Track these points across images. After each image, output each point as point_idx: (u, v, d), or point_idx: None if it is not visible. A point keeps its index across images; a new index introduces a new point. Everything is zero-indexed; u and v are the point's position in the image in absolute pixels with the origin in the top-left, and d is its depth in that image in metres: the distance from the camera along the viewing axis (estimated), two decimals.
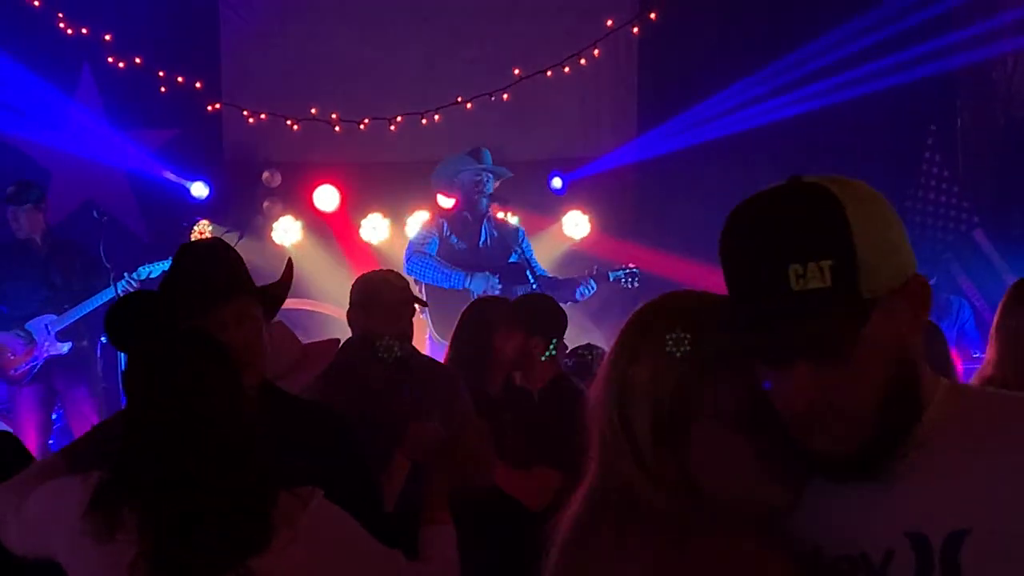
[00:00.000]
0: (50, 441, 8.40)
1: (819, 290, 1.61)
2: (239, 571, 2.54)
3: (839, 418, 1.66)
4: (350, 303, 4.99)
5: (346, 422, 3.48)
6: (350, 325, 4.98)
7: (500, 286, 8.14)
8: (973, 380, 4.13)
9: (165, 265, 8.08)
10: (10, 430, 7.68)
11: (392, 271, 5.29)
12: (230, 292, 3.21)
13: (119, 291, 7.94)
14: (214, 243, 3.43)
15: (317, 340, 4.39)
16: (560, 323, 5.25)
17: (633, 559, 1.69)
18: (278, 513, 2.58)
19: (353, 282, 5.09)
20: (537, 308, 5.27)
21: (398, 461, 4.14)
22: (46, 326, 8.15)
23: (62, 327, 8.16)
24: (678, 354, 1.71)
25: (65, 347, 8.17)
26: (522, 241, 8.62)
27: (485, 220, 8.59)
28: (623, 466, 1.76)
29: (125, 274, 8.06)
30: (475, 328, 5.04)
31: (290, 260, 3.59)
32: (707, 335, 1.70)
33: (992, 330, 4.09)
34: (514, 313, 5.13)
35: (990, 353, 4.05)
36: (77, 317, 8.13)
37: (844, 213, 1.64)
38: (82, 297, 8.10)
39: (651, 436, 1.73)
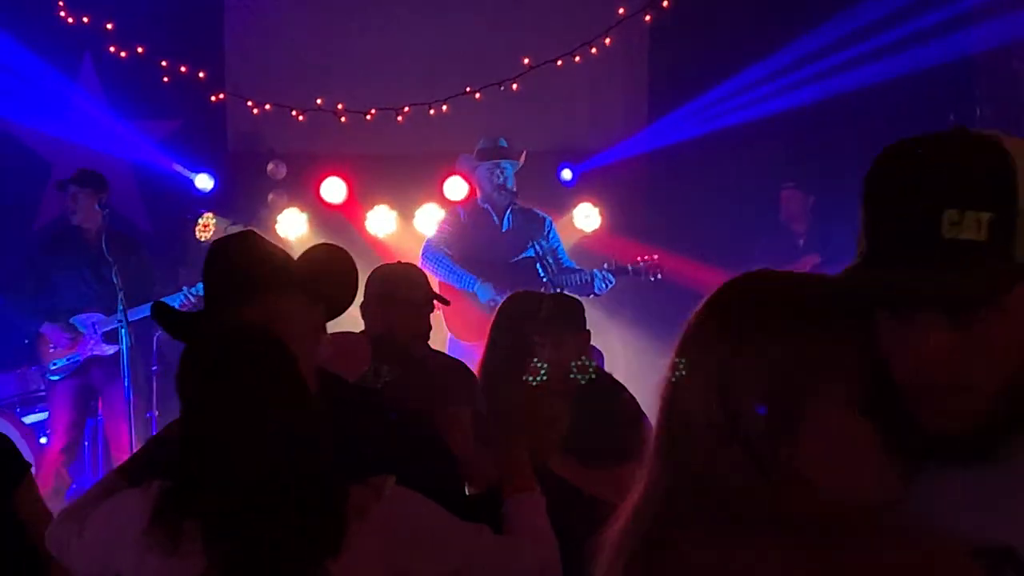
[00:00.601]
0: (86, 443, 8.36)
1: (972, 242, 1.47)
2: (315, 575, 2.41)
3: (966, 390, 1.51)
4: (366, 296, 4.80)
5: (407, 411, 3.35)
6: (365, 320, 4.80)
7: (499, 299, 8.00)
8: None
9: None
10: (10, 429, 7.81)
11: (413, 265, 5.13)
12: (269, 286, 3.04)
13: (175, 304, 7.79)
14: (247, 235, 3.22)
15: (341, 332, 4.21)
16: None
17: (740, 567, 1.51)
18: (351, 508, 2.47)
19: (370, 274, 4.88)
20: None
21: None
22: (93, 324, 8.02)
23: (109, 328, 7.99)
24: (788, 336, 1.55)
25: (111, 350, 8.01)
26: (548, 233, 8.50)
27: (509, 211, 8.47)
28: (720, 463, 1.56)
29: (184, 288, 7.98)
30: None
31: (336, 247, 3.41)
32: (817, 312, 1.56)
33: None
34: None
35: None
36: (134, 319, 7.85)
37: (1014, 169, 1.49)
38: (136, 301, 7.81)
39: (765, 428, 1.54)
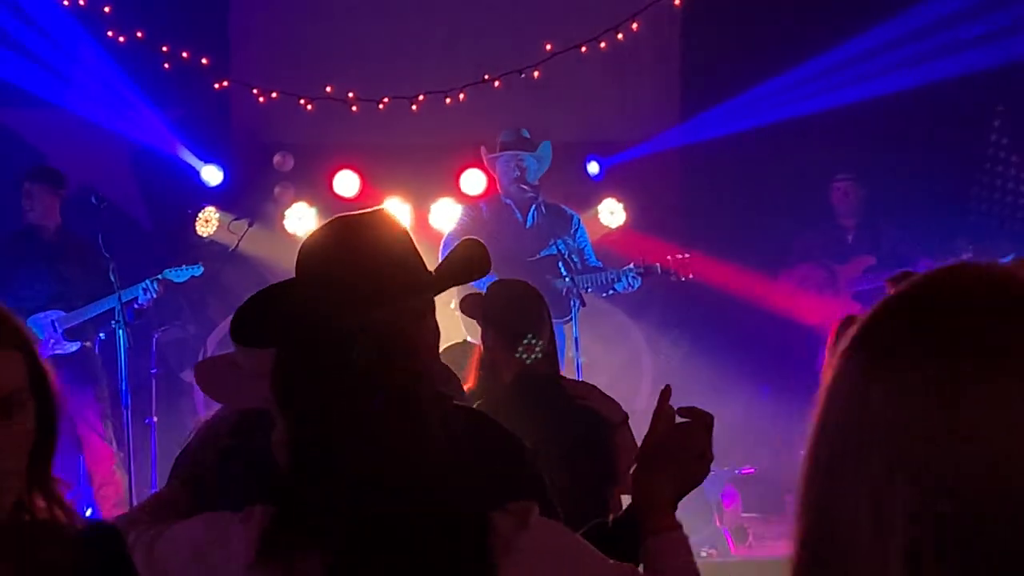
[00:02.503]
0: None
1: None
2: None
3: None
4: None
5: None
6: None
7: None
8: None
9: (195, 271, 7.87)
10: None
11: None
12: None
13: (138, 295, 7.73)
14: (381, 213, 2.70)
15: None
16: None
17: None
18: (496, 539, 2.17)
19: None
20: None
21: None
22: (53, 323, 7.82)
23: (70, 325, 7.82)
24: None
25: (73, 346, 7.84)
26: (576, 231, 8.28)
27: (534, 208, 8.26)
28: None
29: (147, 280, 7.80)
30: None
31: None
32: None
33: None
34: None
35: None
36: (88, 316, 7.81)
37: None
38: (92, 291, 7.79)
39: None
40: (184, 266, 7.91)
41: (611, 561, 2.37)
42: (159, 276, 7.79)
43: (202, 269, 8.04)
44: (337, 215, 2.59)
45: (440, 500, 2.17)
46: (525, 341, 4.33)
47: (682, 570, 2.49)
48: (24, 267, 7.90)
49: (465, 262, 2.63)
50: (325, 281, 2.50)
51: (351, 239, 2.53)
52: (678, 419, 2.52)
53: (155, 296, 7.79)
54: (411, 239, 2.57)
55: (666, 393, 2.55)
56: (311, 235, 2.58)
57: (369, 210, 2.62)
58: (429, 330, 2.54)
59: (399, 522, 2.13)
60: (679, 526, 2.54)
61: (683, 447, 2.55)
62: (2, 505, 2.10)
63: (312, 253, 2.50)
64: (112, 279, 7.57)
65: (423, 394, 2.25)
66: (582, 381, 5.22)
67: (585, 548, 2.35)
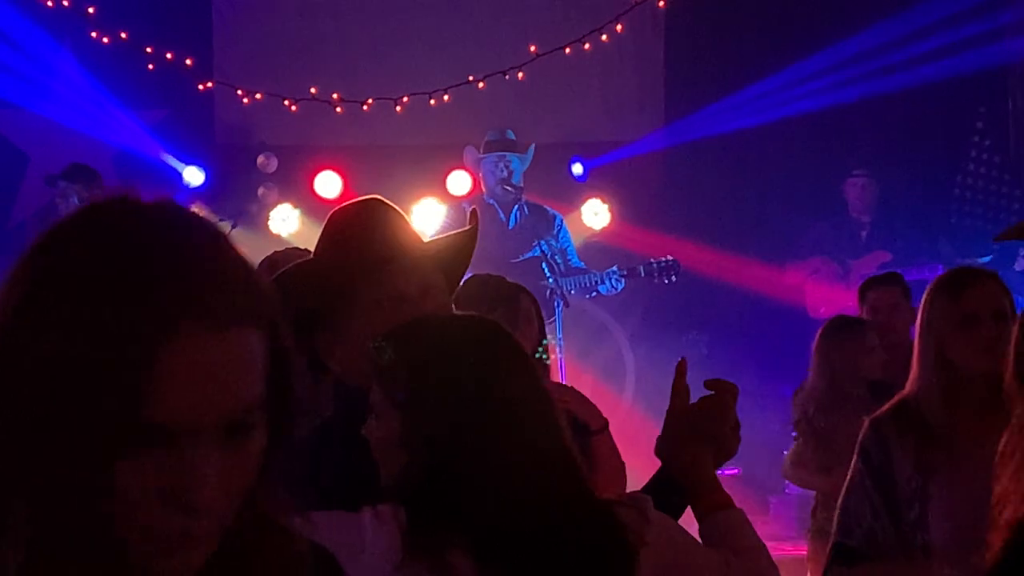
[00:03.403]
0: None
1: None
2: None
3: None
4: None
5: None
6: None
7: None
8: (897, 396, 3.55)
9: None
10: None
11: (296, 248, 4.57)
12: (404, 258, 2.59)
13: None
14: (375, 200, 2.73)
15: None
16: None
17: None
18: (628, 532, 2.14)
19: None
20: None
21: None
22: None
23: None
24: None
25: None
26: (558, 232, 8.28)
27: (516, 208, 8.24)
28: None
29: None
30: None
31: (475, 211, 2.93)
32: None
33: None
34: None
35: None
36: None
37: None
38: None
39: None
40: None
41: (710, 548, 2.37)
42: None
43: None
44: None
45: (575, 493, 2.15)
46: None
47: (758, 551, 2.46)
48: None
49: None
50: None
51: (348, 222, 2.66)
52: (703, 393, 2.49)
53: None
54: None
55: (681, 367, 2.52)
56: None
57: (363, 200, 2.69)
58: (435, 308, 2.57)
59: (543, 516, 2.09)
60: (732, 502, 2.50)
61: (713, 419, 2.51)
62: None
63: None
64: None
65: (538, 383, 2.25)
66: (562, 384, 5.16)
67: (691, 538, 2.33)
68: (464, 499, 2.09)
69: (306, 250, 4.28)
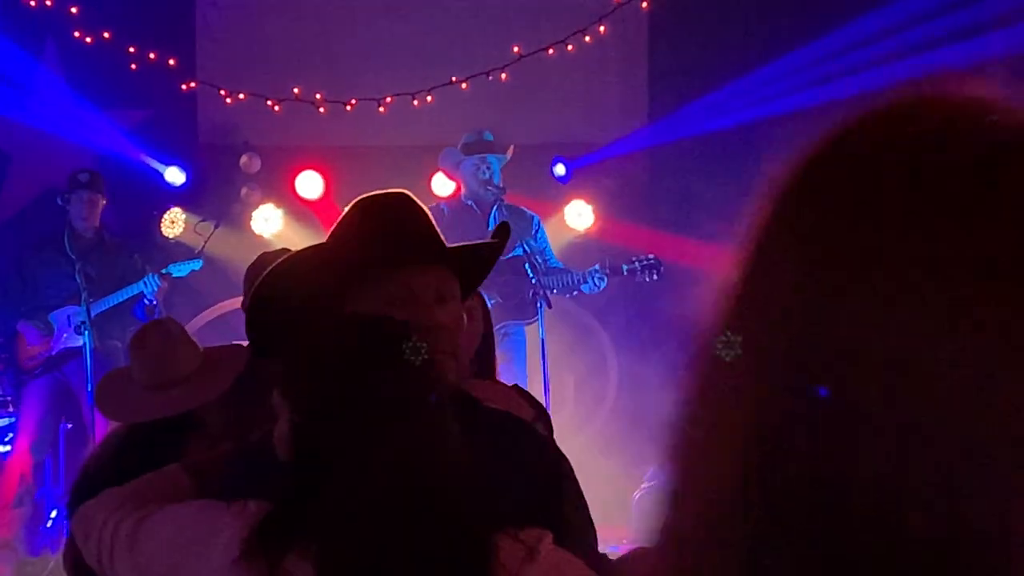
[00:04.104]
0: (60, 440, 8.11)
1: None
2: None
3: None
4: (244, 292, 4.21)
5: (545, 439, 2.70)
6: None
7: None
8: None
9: (195, 265, 8.04)
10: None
11: (285, 250, 4.51)
12: (432, 258, 2.47)
13: (146, 288, 7.88)
14: (397, 196, 2.60)
15: (220, 345, 3.74)
16: None
17: None
18: (498, 568, 1.96)
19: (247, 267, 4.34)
20: None
21: None
22: (68, 317, 7.93)
23: (80, 321, 7.86)
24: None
25: (80, 340, 7.85)
26: (536, 232, 8.25)
27: (495, 209, 8.18)
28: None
29: (150, 274, 7.94)
30: None
31: (505, 225, 2.81)
32: None
33: None
34: None
35: None
36: (100, 310, 7.85)
37: None
38: (109, 291, 7.92)
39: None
40: (185, 260, 8.07)
41: None
42: (162, 271, 7.91)
43: (202, 263, 8.19)
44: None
45: (447, 516, 2.00)
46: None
47: None
48: (55, 267, 8.04)
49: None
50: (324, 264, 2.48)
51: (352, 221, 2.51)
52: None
53: (157, 290, 7.89)
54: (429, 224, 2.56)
55: None
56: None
57: (384, 193, 2.59)
58: (447, 315, 2.46)
59: (399, 535, 1.98)
60: None
61: None
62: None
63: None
64: (78, 280, 7.61)
65: (425, 397, 2.10)
66: (495, 381, 4.94)
67: None
68: (319, 508, 2.02)
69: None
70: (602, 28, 9.30)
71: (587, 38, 9.31)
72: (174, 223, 8.68)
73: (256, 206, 9.35)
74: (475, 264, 2.62)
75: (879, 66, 9.03)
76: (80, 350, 7.83)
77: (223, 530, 2.06)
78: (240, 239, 9.00)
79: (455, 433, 2.07)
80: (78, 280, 7.73)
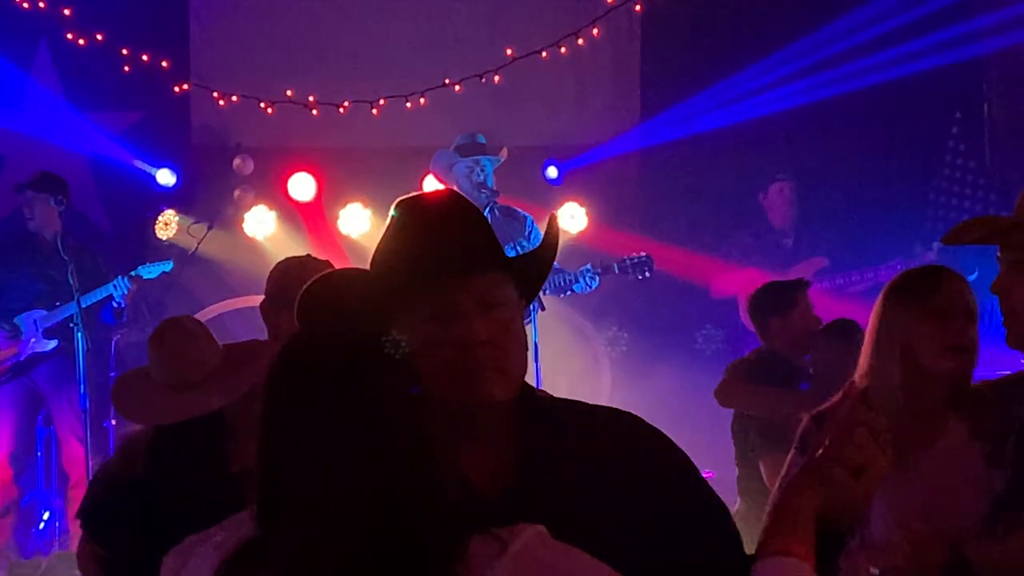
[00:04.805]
0: (39, 453, 8.11)
1: None
2: None
3: None
4: (266, 294, 4.31)
5: (647, 426, 2.39)
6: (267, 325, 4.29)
7: None
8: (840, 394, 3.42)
9: (166, 266, 7.91)
10: None
11: (309, 256, 4.56)
12: (478, 264, 2.25)
13: (116, 291, 7.77)
14: (450, 196, 2.41)
15: (240, 341, 3.70)
16: None
17: None
18: (463, 567, 1.82)
19: (273, 271, 4.38)
20: None
21: None
22: (35, 321, 7.84)
23: (51, 324, 7.84)
24: None
25: (50, 345, 7.82)
26: (530, 233, 8.13)
27: (488, 212, 8.08)
28: None
29: (119, 276, 7.81)
30: None
31: (553, 217, 2.52)
32: None
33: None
34: None
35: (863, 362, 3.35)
36: (68, 314, 7.74)
37: None
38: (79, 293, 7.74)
39: None
40: (155, 262, 7.95)
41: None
42: (131, 273, 7.80)
43: (172, 264, 8.08)
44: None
45: (408, 520, 1.84)
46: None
47: None
48: (16, 271, 7.93)
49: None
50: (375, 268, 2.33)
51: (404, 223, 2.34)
52: None
53: (127, 292, 7.80)
54: (486, 227, 2.36)
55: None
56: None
57: (436, 193, 2.44)
58: (503, 322, 2.27)
59: (355, 539, 1.83)
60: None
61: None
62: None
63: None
64: (70, 282, 7.50)
65: (398, 410, 1.92)
66: None
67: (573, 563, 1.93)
68: (278, 527, 1.89)
69: (326, 261, 4.27)
70: (595, 31, 9.30)
71: (580, 40, 9.31)
72: (167, 225, 8.64)
73: (249, 208, 9.32)
74: (532, 264, 2.40)
75: (870, 65, 9.06)
76: (47, 354, 7.80)
77: (205, 559, 1.99)
78: (233, 240, 9.04)
79: (430, 442, 1.93)
80: (63, 281, 7.64)
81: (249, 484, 1.96)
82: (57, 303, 7.77)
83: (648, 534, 2.12)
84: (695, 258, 9.05)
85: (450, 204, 2.34)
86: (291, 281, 3.88)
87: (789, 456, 3.40)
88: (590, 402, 2.44)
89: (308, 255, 4.54)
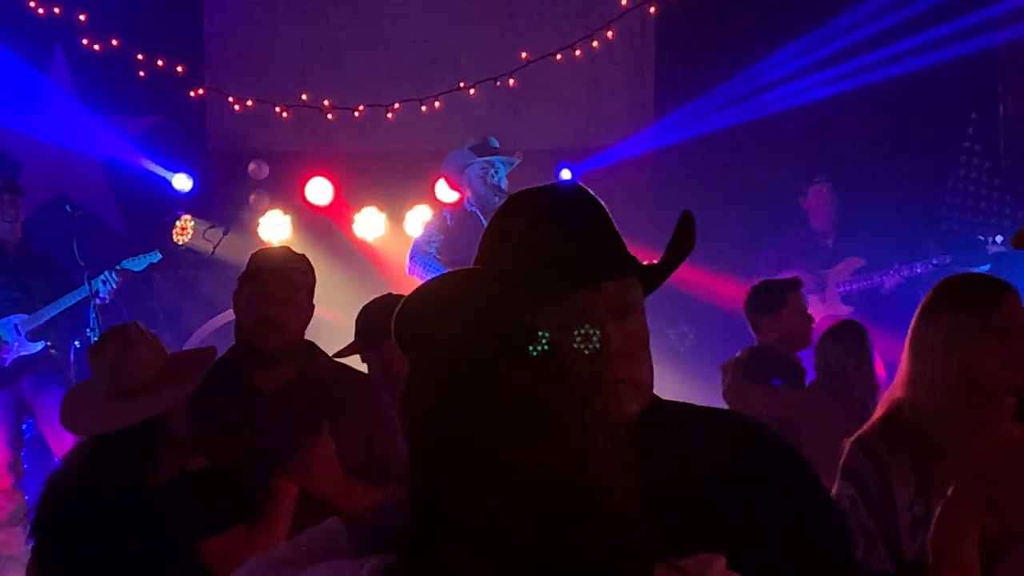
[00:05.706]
0: (22, 453, 7.99)
1: None
2: None
3: None
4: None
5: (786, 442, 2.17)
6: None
7: None
8: (881, 407, 3.22)
9: (153, 258, 7.84)
10: None
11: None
12: (613, 270, 2.03)
13: (99, 289, 7.70)
14: (577, 192, 2.12)
15: (190, 349, 3.72)
16: None
17: None
18: None
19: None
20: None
21: (283, 489, 3.42)
22: (16, 326, 7.78)
23: (34, 327, 7.78)
24: None
25: (37, 346, 7.79)
26: None
27: None
28: None
29: (105, 271, 7.74)
30: None
31: (688, 214, 2.24)
32: None
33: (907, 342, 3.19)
34: None
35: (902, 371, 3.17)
36: (49, 316, 7.76)
37: None
38: (53, 296, 7.77)
39: None
40: (141, 255, 7.93)
41: None
42: (117, 267, 7.78)
43: (159, 256, 8.04)
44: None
45: (599, 542, 1.54)
46: None
47: None
48: None
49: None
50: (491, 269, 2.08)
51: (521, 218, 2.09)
52: None
53: (115, 287, 7.75)
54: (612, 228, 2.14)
55: None
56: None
57: (560, 185, 2.16)
58: (633, 330, 2.07)
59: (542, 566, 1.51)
60: None
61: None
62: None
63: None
64: (87, 283, 7.57)
65: (582, 422, 1.63)
66: None
67: None
68: (443, 557, 1.58)
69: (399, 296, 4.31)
70: (609, 33, 9.30)
71: (594, 43, 9.31)
72: (184, 230, 8.59)
73: (264, 212, 9.34)
74: (662, 267, 2.16)
75: (882, 62, 9.00)
76: (33, 357, 7.76)
77: None
78: (248, 245, 8.91)
79: (621, 457, 1.65)
80: (17, 292, 7.67)
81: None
82: (37, 306, 7.74)
83: (774, 552, 1.95)
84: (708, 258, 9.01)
85: (580, 201, 2.11)
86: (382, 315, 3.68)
87: (836, 485, 3.10)
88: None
89: (390, 294, 4.76)
